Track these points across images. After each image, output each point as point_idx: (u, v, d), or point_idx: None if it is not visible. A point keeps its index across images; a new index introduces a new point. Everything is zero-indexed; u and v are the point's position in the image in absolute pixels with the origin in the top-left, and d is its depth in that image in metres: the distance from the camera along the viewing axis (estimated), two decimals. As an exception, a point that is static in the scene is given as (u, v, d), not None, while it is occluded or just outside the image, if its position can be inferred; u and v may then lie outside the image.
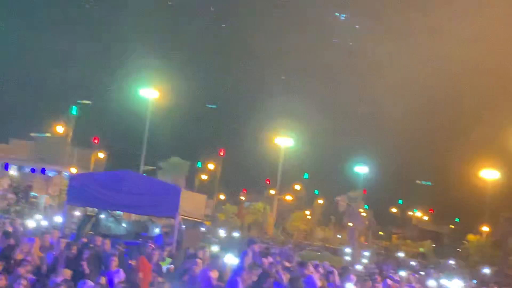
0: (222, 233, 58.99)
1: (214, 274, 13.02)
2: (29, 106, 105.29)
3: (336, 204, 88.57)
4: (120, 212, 26.43)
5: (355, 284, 16.59)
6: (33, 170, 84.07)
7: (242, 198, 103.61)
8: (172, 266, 17.25)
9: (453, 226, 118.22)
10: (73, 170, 74.47)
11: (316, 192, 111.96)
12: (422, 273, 37.05)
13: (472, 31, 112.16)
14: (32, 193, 66.36)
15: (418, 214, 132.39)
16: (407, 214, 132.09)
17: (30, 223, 30.93)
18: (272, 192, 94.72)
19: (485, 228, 75.57)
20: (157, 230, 23.06)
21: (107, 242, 17.06)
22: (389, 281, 18.97)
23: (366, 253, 56.01)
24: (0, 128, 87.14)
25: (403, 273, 30.34)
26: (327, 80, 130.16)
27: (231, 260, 16.52)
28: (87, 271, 13.12)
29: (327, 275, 16.69)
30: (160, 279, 14.09)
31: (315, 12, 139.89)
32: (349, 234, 43.33)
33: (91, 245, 15.76)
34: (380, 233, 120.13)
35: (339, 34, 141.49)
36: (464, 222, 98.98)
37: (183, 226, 21.21)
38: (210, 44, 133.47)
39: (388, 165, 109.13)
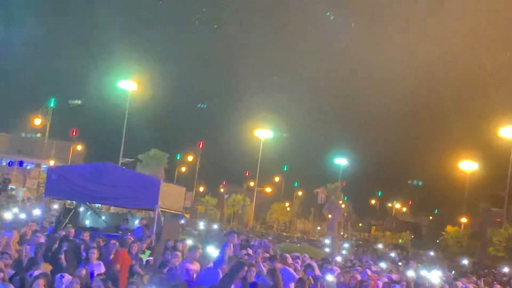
0: (201, 225, 58.96)
1: (194, 266, 12.95)
2: (6, 99, 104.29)
3: (315, 196, 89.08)
4: (99, 205, 26.27)
5: (336, 276, 16.62)
6: (10, 163, 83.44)
7: (222, 190, 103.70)
8: (151, 258, 17.17)
9: (432, 218, 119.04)
10: (51, 163, 73.96)
11: (296, 184, 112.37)
12: (400, 264, 37.33)
13: (448, 26, 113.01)
14: (10, 186, 65.84)
15: (397, 205, 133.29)
16: (386, 206, 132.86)
17: (8, 216, 30.68)
18: (252, 184, 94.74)
19: (464, 220, 76.15)
20: (136, 223, 22.96)
21: (86, 235, 16.97)
22: (369, 272, 19.08)
23: (346, 245, 56.25)
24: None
25: (383, 265, 30.56)
26: (306, 74, 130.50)
27: (211, 252, 16.48)
28: (65, 264, 13.01)
29: (306, 267, 16.71)
30: (139, 271, 14.02)
31: (293, 8, 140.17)
32: (328, 226, 43.39)
33: (70, 238, 15.64)
34: (359, 224, 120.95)
35: (319, 29, 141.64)
36: (443, 213, 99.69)
37: (162, 218, 21.12)
38: (189, 37, 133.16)
39: (367, 157, 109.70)
